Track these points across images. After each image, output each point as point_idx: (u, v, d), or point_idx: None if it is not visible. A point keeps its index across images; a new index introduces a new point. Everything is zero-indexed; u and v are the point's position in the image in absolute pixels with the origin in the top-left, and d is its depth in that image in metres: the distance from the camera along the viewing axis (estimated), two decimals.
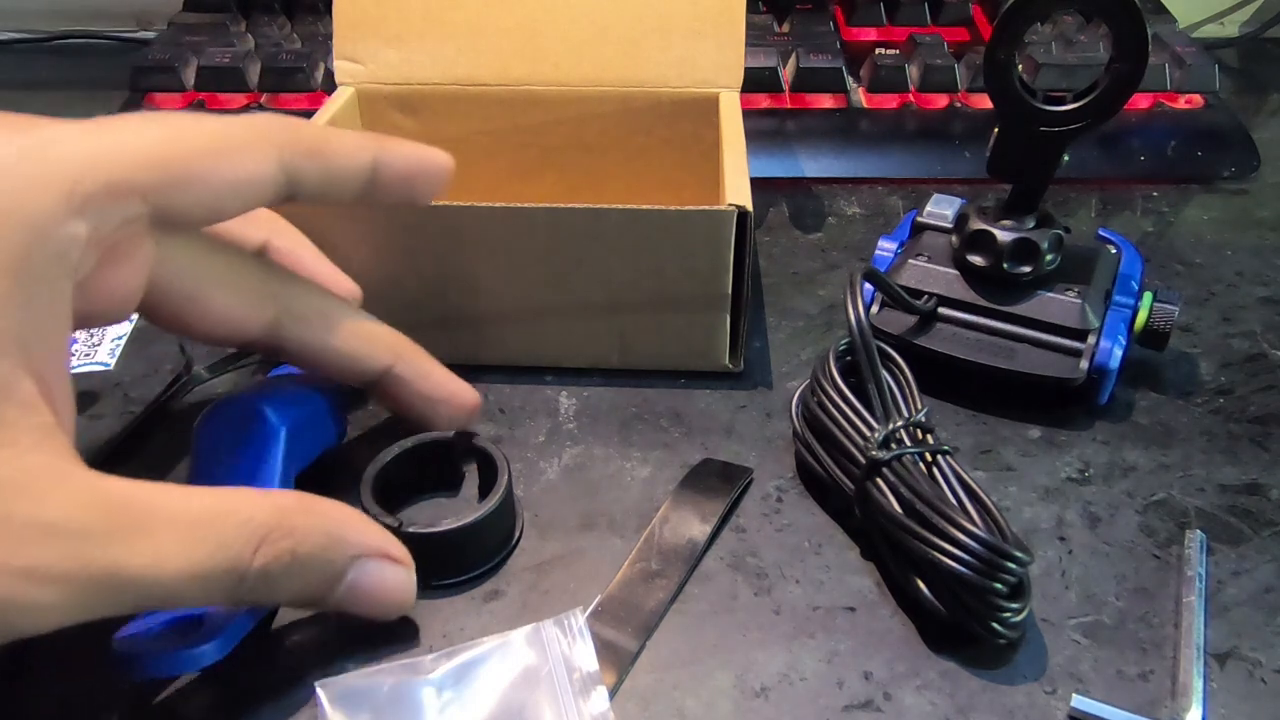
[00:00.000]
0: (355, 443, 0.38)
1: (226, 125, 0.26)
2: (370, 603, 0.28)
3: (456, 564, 0.32)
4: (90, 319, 0.26)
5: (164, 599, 0.24)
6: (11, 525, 0.21)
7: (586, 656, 0.29)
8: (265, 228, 0.33)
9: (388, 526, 0.30)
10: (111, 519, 0.22)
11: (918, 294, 0.40)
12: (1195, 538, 0.34)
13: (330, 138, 0.29)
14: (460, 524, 0.31)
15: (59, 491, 0.22)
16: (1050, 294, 0.38)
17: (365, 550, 0.28)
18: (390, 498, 0.33)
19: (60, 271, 0.23)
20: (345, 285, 0.35)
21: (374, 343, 0.33)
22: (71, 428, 0.24)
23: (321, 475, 0.34)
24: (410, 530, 0.31)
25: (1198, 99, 0.59)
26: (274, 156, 0.27)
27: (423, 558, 0.29)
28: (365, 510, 0.31)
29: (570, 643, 0.29)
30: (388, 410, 0.34)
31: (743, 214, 0.36)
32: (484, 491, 0.32)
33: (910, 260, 0.41)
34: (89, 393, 0.41)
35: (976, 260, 0.39)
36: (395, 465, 0.34)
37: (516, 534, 0.34)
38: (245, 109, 0.60)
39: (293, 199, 0.28)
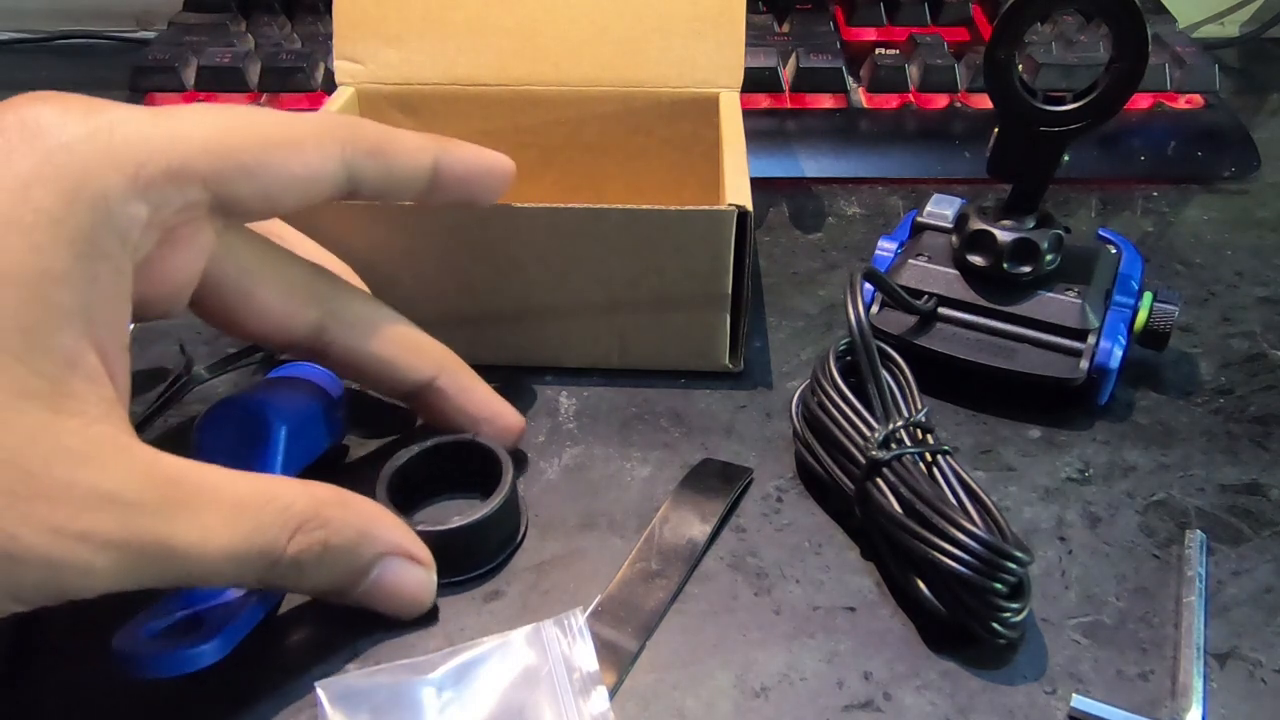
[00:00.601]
0: (355, 443, 0.38)
1: (291, 119, 0.27)
2: (391, 600, 0.29)
3: (461, 563, 0.32)
4: (147, 305, 0.26)
5: (203, 575, 0.24)
6: (74, 491, 0.22)
7: (586, 656, 0.29)
8: (314, 253, 0.35)
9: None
10: (164, 493, 0.23)
11: (918, 294, 0.40)
12: (1195, 538, 0.34)
13: (394, 137, 0.29)
14: (464, 523, 0.31)
15: (118, 463, 0.23)
16: (1050, 294, 0.38)
17: (392, 548, 0.28)
18: (406, 498, 0.34)
19: (123, 250, 0.23)
20: None
21: (419, 353, 0.33)
22: (128, 403, 0.25)
23: (322, 475, 0.34)
24: (419, 529, 0.31)
25: (1198, 99, 0.59)
26: (336, 153, 0.27)
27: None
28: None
29: (570, 643, 0.29)
30: (429, 423, 0.34)
31: (743, 214, 0.36)
32: (488, 491, 0.33)
33: (910, 260, 0.41)
34: None
35: (976, 260, 0.39)
36: (411, 466, 0.34)
37: (521, 532, 0.34)
38: None
39: (353, 195, 0.29)
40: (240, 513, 0.25)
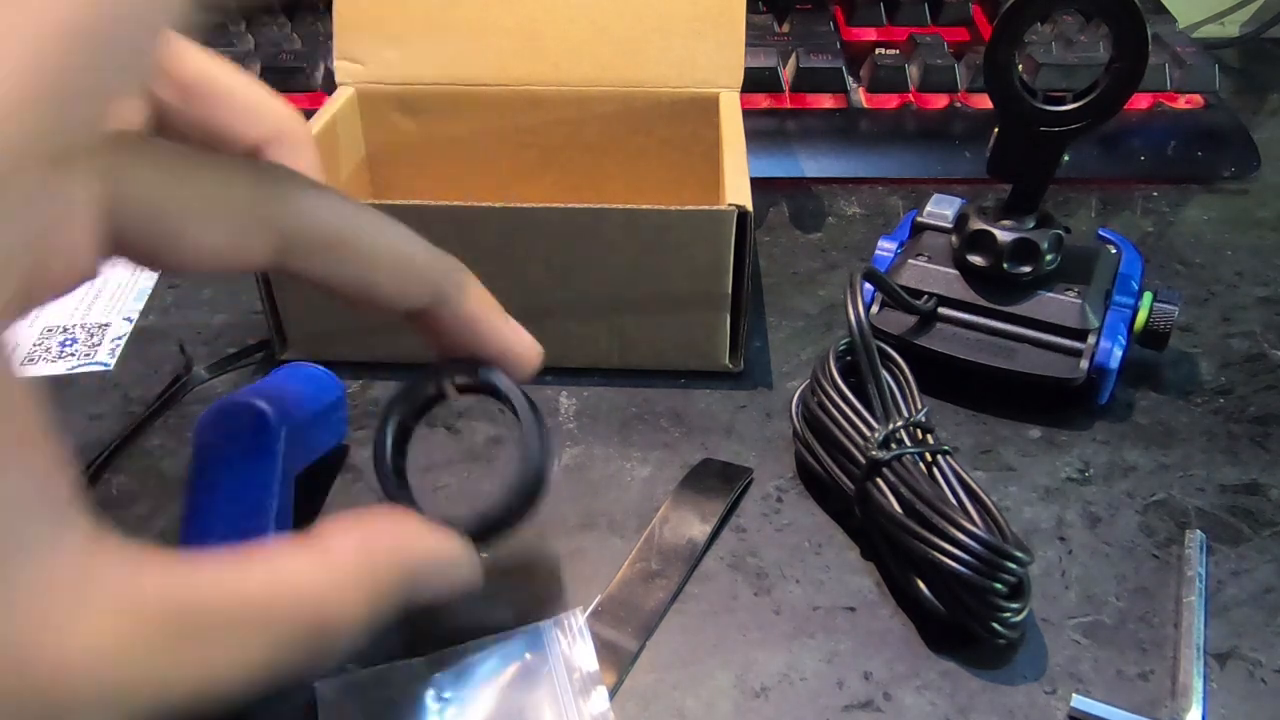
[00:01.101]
0: (355, 443, 0.38)
1: None
2: (438, 594, 0.25)
3: (491, 537, 0.29)
4: (45, 286, 0.19)
5: (228, 694, 0.20)
6: (41, 662, 0.16)
7: (586, 656, 0.29)
8: (266, 127, 0.27)
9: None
10: (158, 631, 0.18)
11: (918, 294, 0.40)
12: (1195, 538, 0.34)
13: None
14: (491, 509, 0.28)
15: (85, 609, 0.17)
16: (1050, 294, 0.38)
17: (427, 558, 0.25)
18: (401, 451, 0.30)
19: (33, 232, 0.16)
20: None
21: (409, 273, 0.26)
22: (77, 482, 0.18)
23: (322, 475, 0.34)
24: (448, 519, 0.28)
25: (1198, 99, 0.59)
26: None
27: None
28: (390, 498, 0.29)
29: (570, 643, 0.29)
30: (432, 347, 0.28)
31: (743, 214, 0.36)
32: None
33: (910, 260, 0.41)
34: (89, 393, 0.41)
35: (976, 260, 0.39)
36: (400, 430, 0.30)
37: (548, 472, 0.29)
38: None
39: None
40: (256, 626, 0.20)
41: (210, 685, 0.19)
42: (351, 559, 0.22)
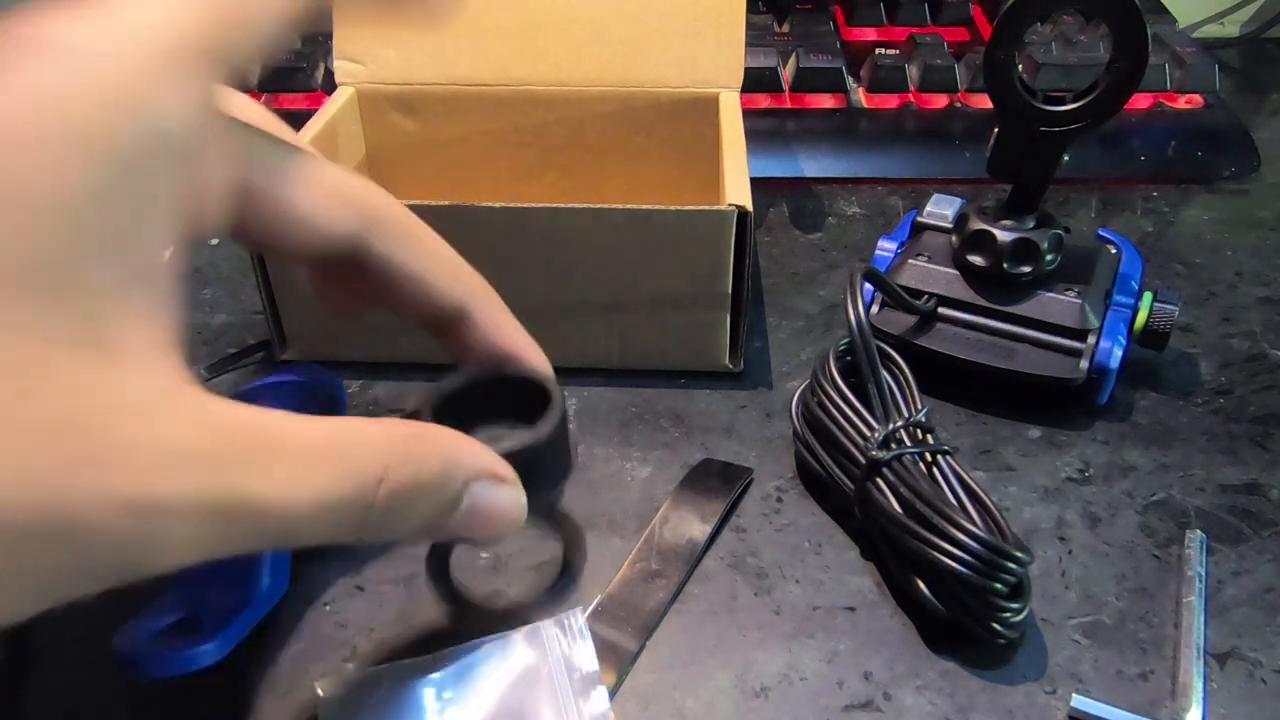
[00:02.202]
0: None
1: None
2: (485, 525, 0.27)
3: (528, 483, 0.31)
4: (194, 226, 0.23)
5: (293, 533, 0.22)
6: (139, 454, 0.19)
7: (586, 656, 0.29)
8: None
9: None
10: (240, 446, 0.21)
11: (918, 294, 0.40)
12: (1195, 538, 0.34)
13: None
14: (534, 441, 0.29)
15: (184, 415, 0.20)
16: (1050, 294, 0.38)
17: (479, 473, 0.26)
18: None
19: (169, 158, 0.20)
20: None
21: (456, 275, 0.29)
22: (182, 343, 0.21)
23: None
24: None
25: (1198, 99, 0.59)
26: None
27: None
28: None
29: (570, 643, 0.29)
30: (452, 356, 0.31)
31: (743, 214, 0.36)
32: (532, 422, 0.30)
33: (910, 260, 0.41)
34: None
35: (976, 260, 0.39)
36: (457, 395, 0.31)
37: (574, 457, 0.32)
38: None
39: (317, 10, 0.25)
40: (325, 459, 0.22)
41: (281, 508, 0.21)
42: (408, 430, 0.24)
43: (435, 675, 0.29)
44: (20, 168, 0.18)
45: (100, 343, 0.19)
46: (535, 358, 0.31)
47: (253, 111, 0.28)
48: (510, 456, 0.29)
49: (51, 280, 0.18)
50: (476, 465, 0.26)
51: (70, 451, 0.18)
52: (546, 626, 0.30)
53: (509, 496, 0.27)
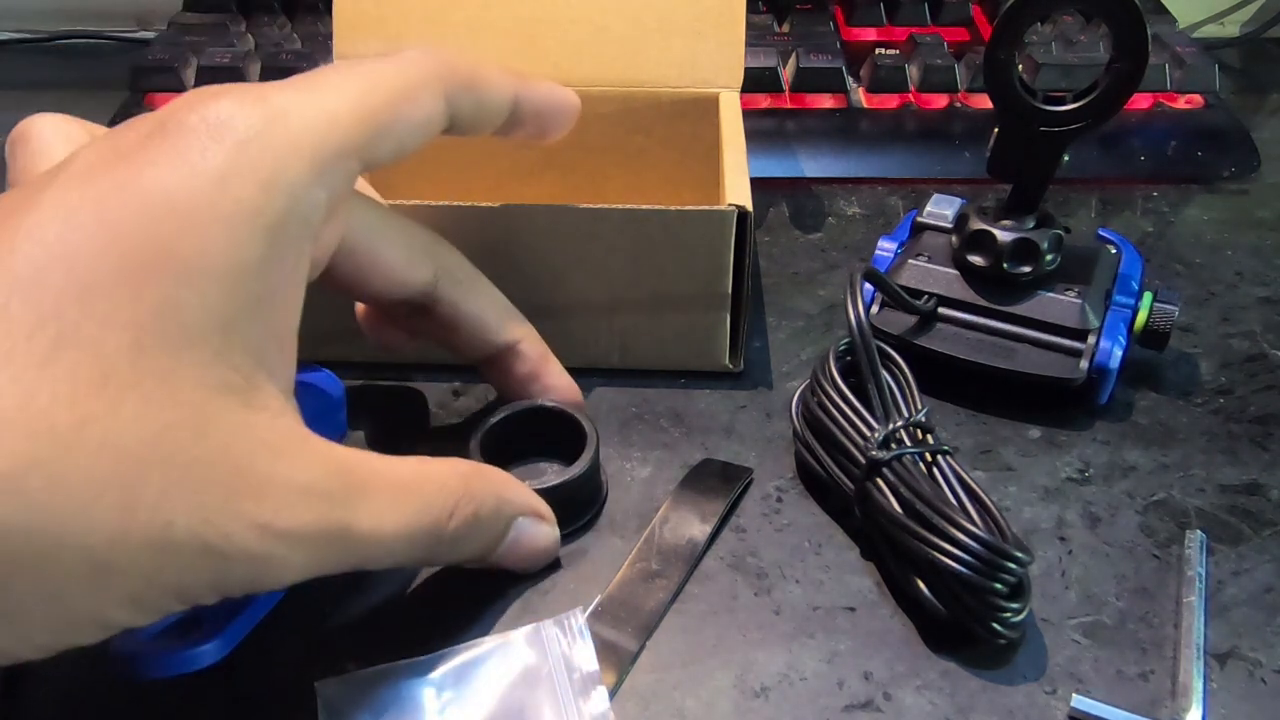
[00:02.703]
0: (355, 443, 0.38)
1: (404, 67, 0.27)
2: (525, 558, 0.31)
3: (563, 517, 0.33)
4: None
5: (378, 558, 0.25)
6: (275, 487, 0.22)
7: (586, 656, 0.29)
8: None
9: None
10: (345, 482, 0.24)
11: (918, 294, 0.40)
12: (1195, 538, 0.34)
13: (480, 69, 0.29)
14: (568, 478, 0.33)
15: (305, 455, 0.23)
16: (1050, 294, 0.38)
17: (522, 510, 0.30)
18: (495, 461, 0.34)
19: (305, 235, 0.24)
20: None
21: (511, 316, 0.35)
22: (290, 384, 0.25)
23: None
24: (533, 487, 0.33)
25: (1198, 99, 0.59)
26: (442, 92, 0.28)
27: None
28: None
29: (570, 643, 0.29)
30: (499, 388, 0.37)
31: (743, 214, 0.36)
32: (567, 454, 0.34)
33: (910, 260, 0.41)
34: None
35: (976, 260, 0.39)
36: (500, 429, 0.35)
37: (604, 490, 0.36)
38: None
39: (448, 132, 0.29)
40: (408, 495, 0.26)
41: (375, 537, 0.24)
42: (471, 470, 0.28)
43: (435, 675, 0.29)
44: (198, 239, 0.21)
45: (246, 392, 0.22)
46: (571, 391, 0.36)
47: None
48: (550, 491, 0.33)
49: (216, 338, 0.22)
50: (522, 503, 0.30)
51: (222, 481, 0.21)
52: (546, 626, 0.30)
53: (546, 533, 0.31)
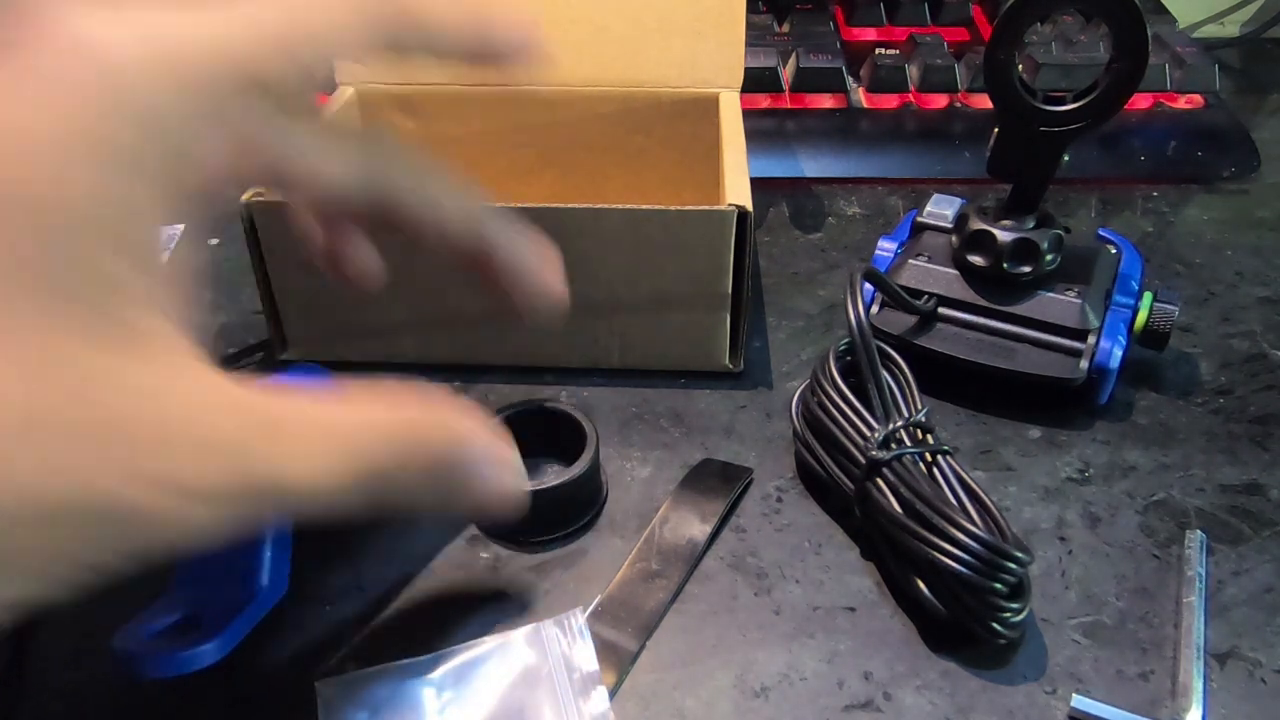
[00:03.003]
0: None
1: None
2: (486, 503, 0.28)
3: (556, 520, 0.34)
4: (207, 208, 0.24)
5: (313, 508, 0.23)
6: (168, 438, 0.20)
7: (586, 656, 0.29)
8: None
9: None
10: (262, 429, 0.22)
11: (918, 294, 0.40)
12: (1195, 538, 0.34)
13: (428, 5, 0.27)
14: (566, 479, 0.33)
15: (207, 400, 0.21)
16: (1050, 294, 0.38)
17: (479, 450, 0.27)
18: None
19: (165, 160, 0.21)
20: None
21: (474, 203, 0.31)
22: (194, 324, 0.22)
23: None
24: (526, 489, 0.32)
25: (1198, 99, 0.59)
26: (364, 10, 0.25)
27: (530, 513, 0.31)
28: None
29: (570, 643, 0.29)
30: (487, 290, 0.32)
31: (743, 214, 0.36)
32: (568, 455, 0.34)
33: (910, 260, 0.41)
34: None
35: (976, 260, 0.39)
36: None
37: (604, 492, 0.36)
38: None
39: (390, 49, 0.26)
40: (338, 439, 0.23)
41: (298, 485, 0.22)
42: (420, 406, 0.25)
43: (435, 675, 0.29)
44: (28, 171, 0.19)
45: (117, 332, 0.20)
46: (556, 291, 0.33)
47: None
48: (550, 491, 0.33)
49: (64, 276, 0.19)
50: (479, 443, 0.27)
51: (117, 442, 0.19)
52: (546, 626, 0.30)
53: (509, 475, 0.28)
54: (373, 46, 0.26)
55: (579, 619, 0.30)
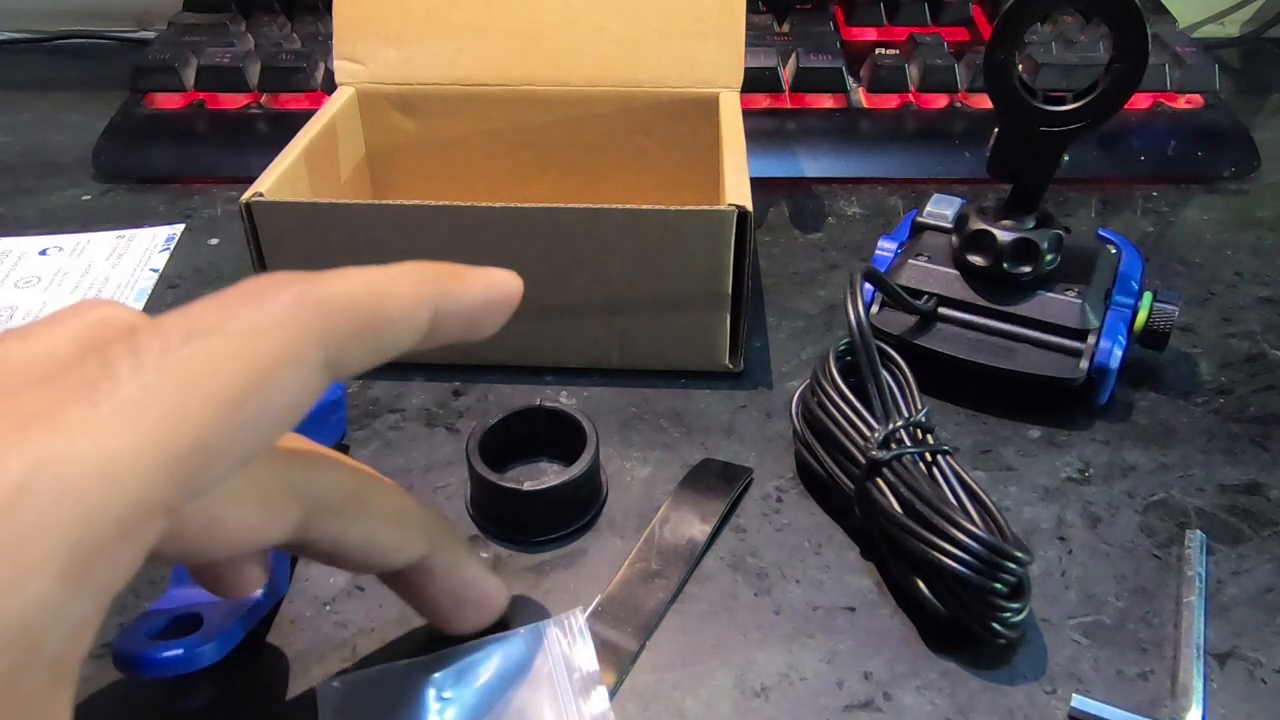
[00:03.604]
0: (356, 443, 0.38)
1: (256, 338, 0.19)
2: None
3: (557, 520, 0.34)
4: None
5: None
6: None
7: (586, 656, 0.29)
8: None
9: (502, 486, 0.33)
10: None
11: (918, 294, 0.40)
12: (1195, 538, 0.34)
13: (381, 301, 0.22)
14: (566, 479, 0.33)
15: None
16: (1050, 294, 0.38)
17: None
18: (496, 459, 0.35)
19: (60, 678, 0.17)
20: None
21: (412, 529, 0.27)
22: None
23: None
24: (524, 489, 0.33)
25: (1198, 99, 0.59)
26: (319, 359, 0.20)
27: (530, 513, 0.34)
28: (475, 469, 0.34)
29: (570, 643, 0.29)
30: (407, 602, 0.29)
31: (743, 214, 0.36)
32: (568, 455, 0.34)
33: (910, 260, 0.41)
34: None
35: (976, 260, 0.39)
36: (499, 429, 0.35)
37: (604, 492, 0.36)
38: (245, 109, 0.60)
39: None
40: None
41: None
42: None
43: (435, 675, 0.29)
44: None
45: None
46: (494, 599, 0.30)
47: None
48: (550, 491, 0.33)
49: None
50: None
51: None
52: (546, 626, 0.30)
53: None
54: (321, 388, 0.21)
55: (579, 619, 0.30)
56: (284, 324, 0.20)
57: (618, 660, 0.30)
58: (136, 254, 0.50)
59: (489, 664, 0.29)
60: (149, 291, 0.47)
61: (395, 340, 0.22)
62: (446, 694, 0.28)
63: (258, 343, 0.19)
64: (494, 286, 0.26)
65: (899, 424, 0.33)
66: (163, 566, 0.32)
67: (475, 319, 0.25)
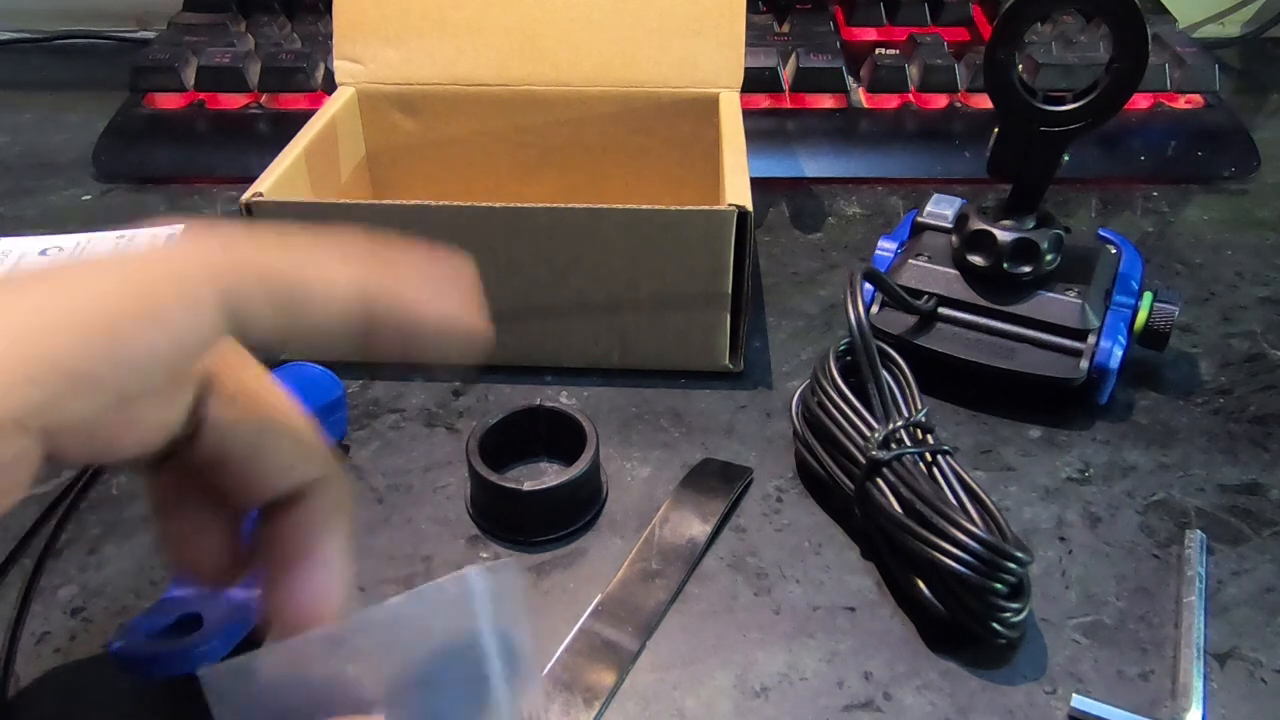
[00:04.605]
0: (356, 443, 0.38)
1: (146, 279, 0.19)
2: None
3: (557, 520, 0.34)
4: None
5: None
6: None
7: (517, 615, 0.23)
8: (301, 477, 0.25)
9: (502, 486, 0.33)
10: None
11: (918, 294, 0.40)
12: (1195, 538, 0.34)
13: (300, 273, 0.21)
14: (566, 479, 0.33)
15: None
16: (1050, 294, 0.38)
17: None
18: (496, 459, 0.35)
19: None
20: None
21: (298, 448, 0.24)
22: None
23: None
24: (524, 489, 0.33)
25: (1198, 99, 0.59)
26: (214, 299, 0.19)
27: (530, 513, 0.34)
28: (475, 469, 0.34)
29: (498, 601, 0.23)
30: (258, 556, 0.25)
31: (743, 214, 0.36)
32: (569, 455, 0.34)
33: (910, 260, 0.41)
34: None
35: (976, 260, 0.39)
36: (500, 428, 0.35)
37: (604, 492, 0.36)
38: (245, 109, 0.60)
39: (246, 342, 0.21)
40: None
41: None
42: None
43: (342, 646, 0.23)
44: None
45: None
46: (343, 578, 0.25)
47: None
48: (550, 491, 0.33)
49: None
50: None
51: None
52: (474, 579, 0.23)
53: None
54: (214, 336, 0.19)
55: (511, 571, 0.24)
56: (183, 265, 0.19)
57: (618, 660, 0.30)
58: None
59: (401, 627, 0.23)
60: None
61: (313, 312, 0.21)
62: (351, 669, 0.22)
63: (144, 276, 0.19)
64: (446, 322, 0.23)
65: (899, 424, 0.33)
66: (163, 567, 0.32)
67: (418, 340, 0.23)
